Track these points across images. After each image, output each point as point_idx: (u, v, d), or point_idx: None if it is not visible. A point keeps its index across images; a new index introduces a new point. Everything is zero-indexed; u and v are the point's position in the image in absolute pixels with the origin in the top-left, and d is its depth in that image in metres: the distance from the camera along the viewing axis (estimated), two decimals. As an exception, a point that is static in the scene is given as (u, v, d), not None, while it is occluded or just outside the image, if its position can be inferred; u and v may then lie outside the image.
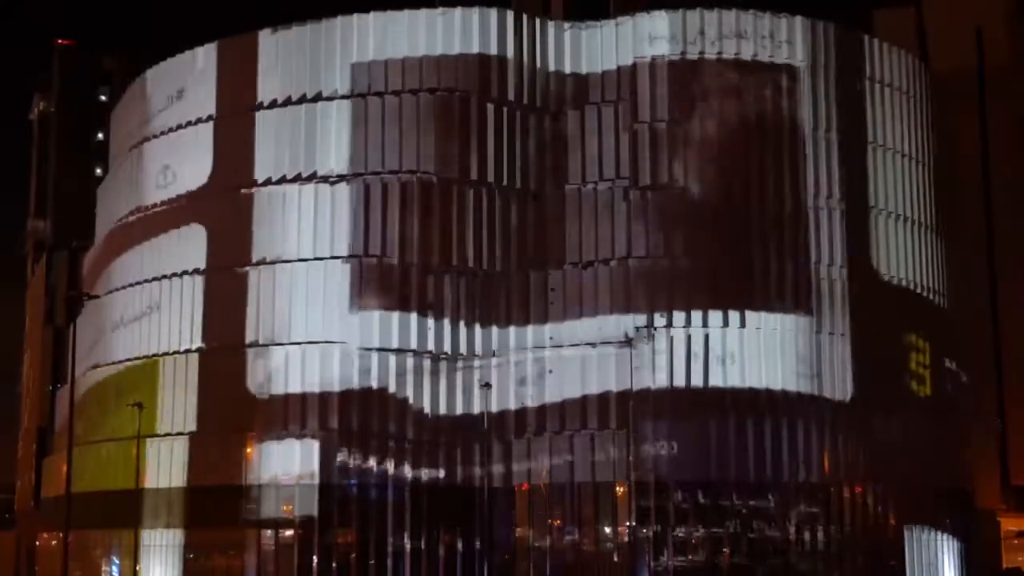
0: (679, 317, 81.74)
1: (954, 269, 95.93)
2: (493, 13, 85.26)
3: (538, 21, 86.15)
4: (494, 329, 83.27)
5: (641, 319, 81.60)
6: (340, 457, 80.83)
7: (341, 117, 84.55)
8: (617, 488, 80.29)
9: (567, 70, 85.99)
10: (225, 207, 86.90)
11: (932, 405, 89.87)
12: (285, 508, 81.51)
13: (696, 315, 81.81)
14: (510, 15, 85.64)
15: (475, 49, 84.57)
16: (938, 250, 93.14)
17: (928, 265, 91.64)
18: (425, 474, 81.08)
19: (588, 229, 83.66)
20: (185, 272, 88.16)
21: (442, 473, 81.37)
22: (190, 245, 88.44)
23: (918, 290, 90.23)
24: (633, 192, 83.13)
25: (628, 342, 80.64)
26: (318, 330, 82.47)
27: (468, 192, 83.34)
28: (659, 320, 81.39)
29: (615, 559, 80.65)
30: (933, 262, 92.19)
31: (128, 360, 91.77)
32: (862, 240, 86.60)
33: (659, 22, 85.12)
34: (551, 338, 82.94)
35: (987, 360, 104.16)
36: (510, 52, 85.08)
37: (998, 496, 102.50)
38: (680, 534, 79.98)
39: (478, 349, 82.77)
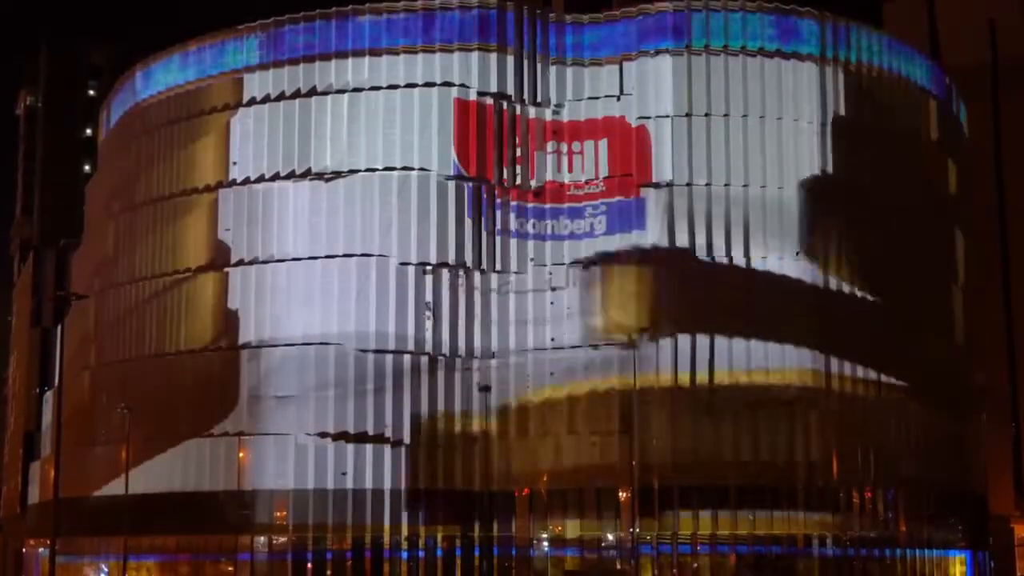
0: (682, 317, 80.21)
1: (967, 264, 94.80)
2: (493, 6, 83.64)
3: (539, 14, 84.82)
4: (494, 329, 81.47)
5: (644, 319, 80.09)
6: (336, 460, 79.22)
7: (336, 112, 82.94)
8: (619, 492, 78.78)
9: (568, 64, 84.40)
10: (220, 204, 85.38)
11: (944, 407, 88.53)
12: (279, 514, 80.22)
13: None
14: (510, 8, 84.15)
15: (475, 43, 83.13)
16: (950, 247, 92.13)
17: (936, 262, 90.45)
18: (423, 478, 79.52)
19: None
20: (182, 270, 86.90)
21: (441, 476, 79.83)
22: (184, 243, 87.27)
23: (927, 288, 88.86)
24: (635, 190, 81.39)
25: (630, 343, 78.92)
26: (314, 330, 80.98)
27: (466, 189, 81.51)
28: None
29: (617, 565, 79.16)
30: (941, 259, 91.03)
31: (121, 360, 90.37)
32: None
33: (663, 15, 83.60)
34: (552, 339, 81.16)
35: (1001, 360, 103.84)
36: (510, 46, 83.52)
37: (1012, 502, 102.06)
38: (684, 538, 78.54)
39: (478, 350, 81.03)
